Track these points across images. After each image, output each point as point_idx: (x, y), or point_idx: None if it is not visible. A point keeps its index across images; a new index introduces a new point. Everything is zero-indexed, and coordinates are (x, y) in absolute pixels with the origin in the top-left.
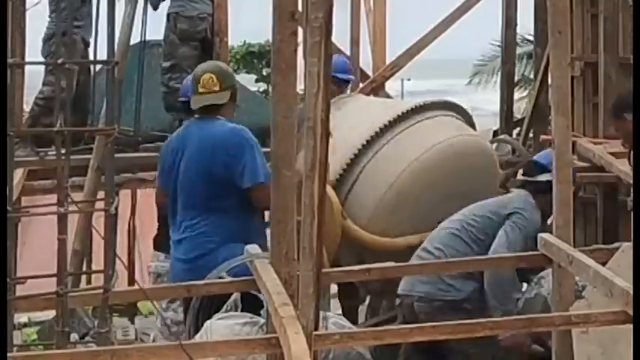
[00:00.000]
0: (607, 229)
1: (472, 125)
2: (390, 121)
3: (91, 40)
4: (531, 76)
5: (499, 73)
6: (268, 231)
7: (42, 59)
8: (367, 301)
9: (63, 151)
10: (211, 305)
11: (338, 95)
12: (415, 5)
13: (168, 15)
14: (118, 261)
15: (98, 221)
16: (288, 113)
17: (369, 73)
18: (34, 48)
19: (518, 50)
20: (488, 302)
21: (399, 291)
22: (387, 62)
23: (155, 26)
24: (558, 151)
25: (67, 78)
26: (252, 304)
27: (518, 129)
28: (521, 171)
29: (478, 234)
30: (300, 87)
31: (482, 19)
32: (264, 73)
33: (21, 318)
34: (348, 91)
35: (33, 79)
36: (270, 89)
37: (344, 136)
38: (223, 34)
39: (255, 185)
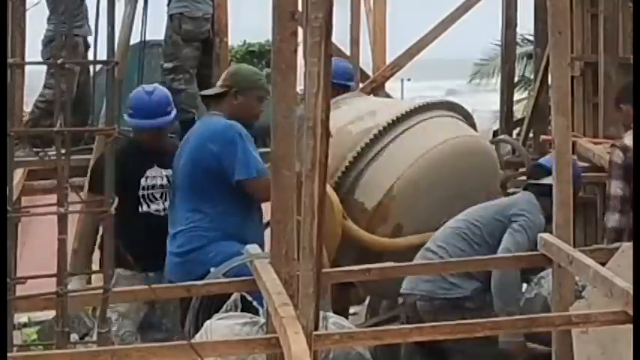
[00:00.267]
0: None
1: (473, 125)
2: (390, 122)
3: (90, 39)
4: (531, 77)
5: (499, 74)
6: (267, 231)
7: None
8: (367, 301)
9: (63, 151)
10: (211, 305)
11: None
12: (415, 5)
13: (171, 15)
14: None
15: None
16: (288, 113)
17: (369, 73)
18: (34, 48)
19: (518, 50)
20: (493, 303)
21: (402, 290)
22: (387, 62)
23: (155, 26)
24: (558, 151)
25: (68, 79)
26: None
27: (518, 129)
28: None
29: (483, 235)
30: (300, 87)
31: (482, 19)
32: (264, 73)
33: (21, 318)
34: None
35: (33, 80)
36: (270, 89)
37: (345, 136)
38: (223, 34)
39: (249, 179)
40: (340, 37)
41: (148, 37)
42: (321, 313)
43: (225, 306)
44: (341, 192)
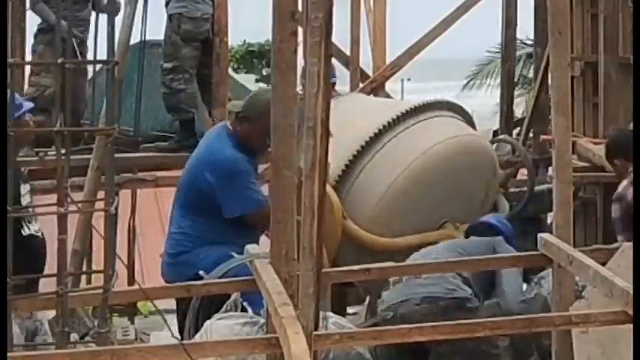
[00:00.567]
0: (607, 229)
1: (472, 125)
2: (390, 121)
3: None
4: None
5: (499, 74)
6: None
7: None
8: (367, 301)
9: (63, 151)
10: (211, 305)
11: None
12: (415, 5)
13: (170, 16)
14: (117, 261)
15: (98, 221)
16: (288, 113)
17: (369, 73)
18: None
19: (517, 52)
20: (488, 305)
21: (390, 302)
22: (387, 62)
23: (155, 26)
24: (558, 151)
25: (56, 78)
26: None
27: (518, 129)
28: None
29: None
30: (300, 87)
31: (482, 19)
32: (264, 73)
33: None
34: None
35: None
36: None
37: (344, 136)
38: (223, 34)
39: (244, 214)
40: (340, 37)
41: (147, 37)
42: (321, 313)
43: (225, 306)
44: (341, 192)
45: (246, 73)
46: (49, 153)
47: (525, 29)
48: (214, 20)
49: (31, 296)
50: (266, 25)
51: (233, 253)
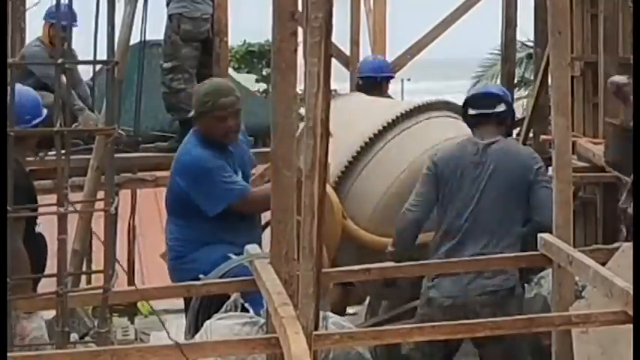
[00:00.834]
0: (607, 229)
1: None
2: (390, 121)
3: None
4: (531, 78)
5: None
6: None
7: None
8: (367, 301)
9: (63, 151)
10: (211, 305)
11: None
12: (415, 5)
13: (170, 16)
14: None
15: (98, 221)
16: (288, 113)
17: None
18: None
19: (517, 54)
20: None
21: (447, 294)
22: None
23: (155, 26)
24: (558, 151)
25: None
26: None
27: (518, 129)
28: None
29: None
30: (300, 87)
31: (482, 19)
32: (264, 73)
33: None
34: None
35: None
36: (270, 89)
37: (344, 135)
38: (223, 34)
39: (228, 206)
40: (340, 37)
41: (147, 37)
42: (321, 313)
43: (225, 306)
44: (341, 192)
45: (246, 73)
46: (49, 153)
47: (525, 30)
48: (214, 20)
49: (31, 296)
50: (266, 25)
51: (231, 255)
